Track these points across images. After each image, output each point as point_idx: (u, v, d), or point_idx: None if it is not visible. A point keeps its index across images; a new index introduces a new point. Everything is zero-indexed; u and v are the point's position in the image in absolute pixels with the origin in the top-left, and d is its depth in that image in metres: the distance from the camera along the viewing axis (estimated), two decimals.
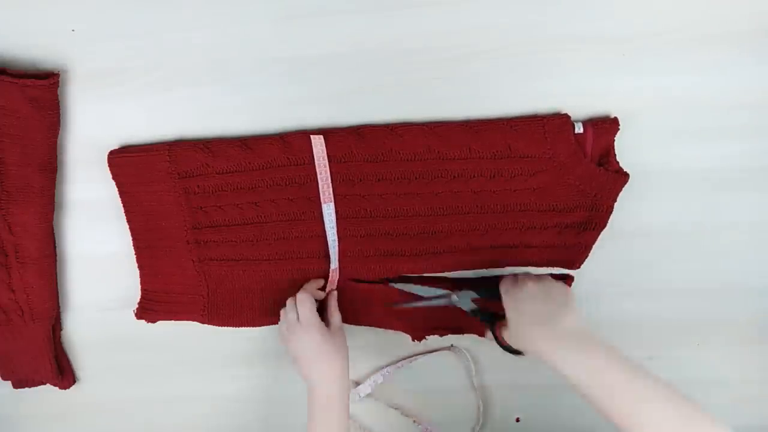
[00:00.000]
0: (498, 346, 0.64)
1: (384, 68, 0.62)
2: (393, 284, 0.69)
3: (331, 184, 0.65)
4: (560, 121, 0.62)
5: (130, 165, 0.66)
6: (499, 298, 0.63)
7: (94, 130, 0.66)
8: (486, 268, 0.68)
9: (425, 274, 0.69)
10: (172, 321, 0.72)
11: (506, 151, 0.63)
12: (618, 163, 0.63)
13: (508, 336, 0.62)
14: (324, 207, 0.65)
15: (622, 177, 0.62)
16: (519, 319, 0.59)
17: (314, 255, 0.68)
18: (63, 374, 0.75)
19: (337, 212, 0.66)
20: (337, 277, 0.68)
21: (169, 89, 0.64)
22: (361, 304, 0.70)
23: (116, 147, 0.66)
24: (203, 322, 0.72)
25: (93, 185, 0.68)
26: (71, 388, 0.76)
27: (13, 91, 0.61)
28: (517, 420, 0.76)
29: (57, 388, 0.76)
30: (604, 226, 0.64)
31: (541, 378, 0.73)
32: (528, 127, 0.62)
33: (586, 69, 0.62)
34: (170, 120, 0.66)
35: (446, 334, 0.72)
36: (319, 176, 0.64)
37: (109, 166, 0.66)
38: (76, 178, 0.68)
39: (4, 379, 0.75)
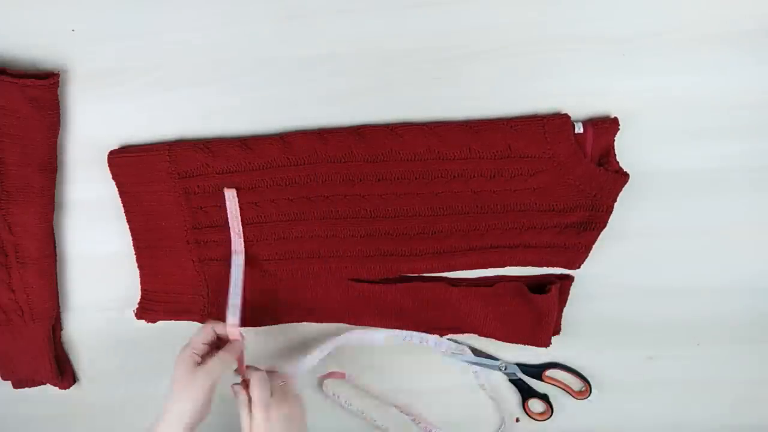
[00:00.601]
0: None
1: (384, 68, 0.62)
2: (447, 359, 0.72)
3: (242, 235, 0.66)
4: (560, 121, 0.62)
5: (130, 165, 0.66)
6: (537, 376, 0.72)
7: (94, 130, 0.66)
8: (486, 268, 0.68)
9: (425, 274, 0.69)
10: (172, 321, 0.72)
11: (506, 151, 0.63)
12: (618, 163, 0.63)
13: None
14: (234, 257, 0.65)
15: (622, 177, 0.62)
16: None
17: (314, 255, 0.68)
18: (63, 374, 0.75)
19: (337, 212, 0.66)
20: (237, 333, 0.64)
21: (169, 89, 0.64)
22: (360, 305, 0.70)
23: (116, 147, 0.66)
24: (203, 322, 0.72)
25: (93, 185, 0.68)
26: (71, 388, 0.76)
27: (13, 91, 0.61)
28: (517, 420, 0.76)
29: (57, 388, 0.76)
30: (604, 226, 0.64)
31: None
32: (528, 127, 0.62)
33: (586, 69, 0.62)
34: (170, 120, 0.66)
35: (446, 334, 0.72)
36: (231, 230, 0.65)
37: (109, 166, 0.66)
38: (76, 178, 0.68)
39: (4, 379, 0.75)
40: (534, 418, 0.75)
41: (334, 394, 0.76)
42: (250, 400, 0.61)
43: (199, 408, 0.60)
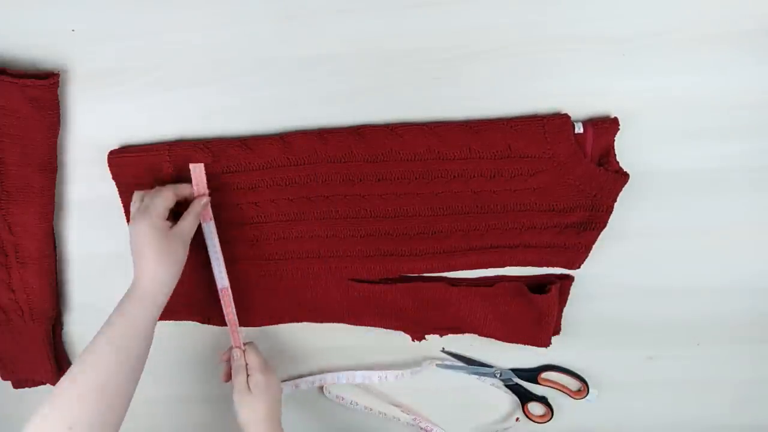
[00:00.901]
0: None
1: (384, 68, 0.62)
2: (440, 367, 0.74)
3: (210, 210, 0.65)
4: (560, 121, 0.62)
5: (130, 165, 0.66)
6: (533, 380, 0.72)
7: (94, 130, 0.66)
8: (486, 267, 0.68)
9: (425, 274, 0.69)
10: (172, 321, 0.72)
11: (506, 151, 0.63)
12: (618, 163, 0.63)
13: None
14: (204, 226, 0.65)
15: (622, 177, 0.62)
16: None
17: (314, 255, 0.68)
18: (63, 374, 0.75)
19: (337, 212, 0.66)
20: (230, 298, 0.68)
21: (169, 89, 0.64)
22: (360, 305, 0.70)
23: (116, 147, 0.66)
24: (203, 322, 0.72)
25: (93, 185, 0.68)
26: None
27: (13, 91, 0.61)
28: (517, 420, 0.76)
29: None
30: (604, 226, 0.64)
31: None
32: (528, 127, 0.62)
33: (586, 69, 0.62)
34: (170, 120, 0.66)
35: (446, 334, 0.72)
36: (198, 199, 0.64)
37: (109, 166, 0.66)
38: (76, 178, 0.68)
39: (4, 379, 0.75)
40: (535, 421, 0.75)
41: (337, 397, 0.76)
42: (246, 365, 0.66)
43: (178, 274, 0.60)
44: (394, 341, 0.72)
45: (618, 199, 0.63)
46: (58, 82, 0.63)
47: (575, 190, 0.64)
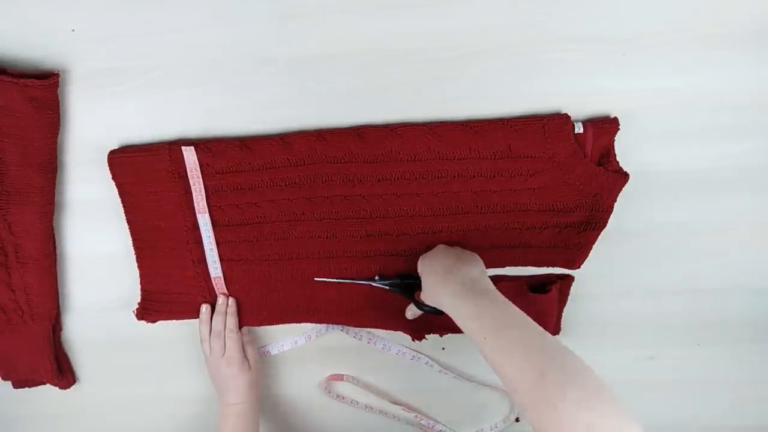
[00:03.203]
0: (419, 310, 0.66)
1: (384, 68, 0.62)
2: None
3: (204, 195, 0.66)
4: (560, 121, 0.62)
5: (130, 165, 0.66)
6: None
7: (94, 130, 0.66)
8: (486, 267, 0.68)
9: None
10: (172, 321, 0.72)
11: (506, 151, 0.63)
12: (618, 163, 0.63)
13: (422, 295, 0.63)
14: (199, 217, 0.66)
15: (622, 177, 0.62)
16: (425, 271, 0.62)
17: (314, 255, 0.68)
18: (63, 374, 0.75)
19: (337, 212, 0.66)
20: (223, 286, 0.70)
21: (169, 89, 0.64)
22: (360, 306, 0.70)
23: (116, 147, 0.66)
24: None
25: (93, 185, 0.68)
26: (71, 388, 0.77)
27: (13, 91, 0.61)
28: (517, 420, 0.76)
29: (57, 388, 0.76)
30: (604, 226, 0.64)
31: None
32: (528, 127, 0.62)
33: (586, 69, 0.62)
34: (170, 120, 0.66)
35: (446, 333, 0.72)
36: (192, 188, 0.65)
37: (109, 166, 0.66)
38: (76, 178, 0.68)
39: (4, 379, 0.75)
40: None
41: (338, 396, 0.76)
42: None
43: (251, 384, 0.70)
44: (395, 340, 0.72)
45: (618, 199, 0.63)
46: (58, 82, 0.63)
47: (575, 190, 0.64)
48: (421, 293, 0.63)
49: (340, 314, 0.71)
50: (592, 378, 0.44)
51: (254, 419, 0.70)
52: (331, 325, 0.73)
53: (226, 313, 0.70)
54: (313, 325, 0.73)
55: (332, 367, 0.76)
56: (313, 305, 0.71)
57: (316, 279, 0.69)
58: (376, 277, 0.69)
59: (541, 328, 0.50)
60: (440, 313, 0.60)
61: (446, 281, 0.58)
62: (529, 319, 0.51)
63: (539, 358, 0.46)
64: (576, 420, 0.41)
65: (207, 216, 0.66)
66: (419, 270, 0.63)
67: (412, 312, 0.68)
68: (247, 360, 0.70)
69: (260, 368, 0.72)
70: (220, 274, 0.69)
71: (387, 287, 0.68)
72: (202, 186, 0.66)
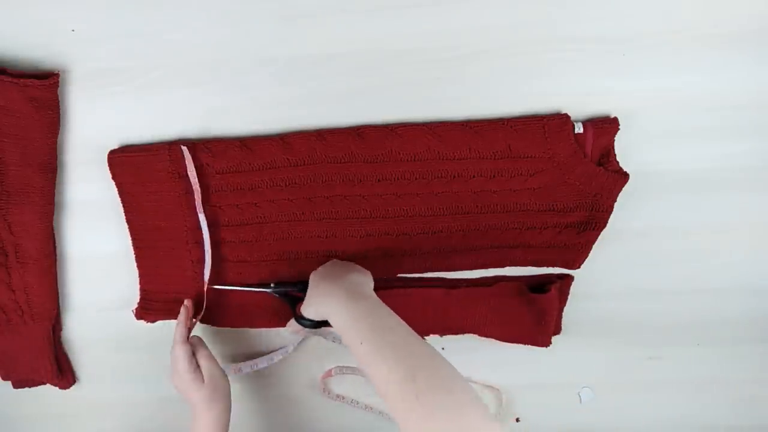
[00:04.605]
0: (298, 324, 0.66)
1: (384, 68, 0.62)
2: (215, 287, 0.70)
3: (200, 195, 0.65)
4: (560, 121, 0.62)
5: (130, 165, 0.66)
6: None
7: (94, 130, 0.66)
8: (486, 267, 0.68)
9: (425, 275, 0.69)
10: (172, 321, 0.72)
11: (506, 151, 0.63)
12: (618, 163, 0.63)
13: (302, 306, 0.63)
14: (200, 216, 0.66)
15: (622, 177, 0.62)
16: (313, 280, 0.62)
17: (314, 255, 0.68)
18: (63, 374, 0.75)
19: (337, 212, 0.66)
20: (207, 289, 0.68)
21: (169, 89, 0.64)
22: None
23: (116, 147, 0.66)
24: (203, 323, 0.72)
25: (93, 185, 0.68)
26: (71, 388, 0.76)
27: (13, 91, 0.61)
28: (517, 420, 0.76)
29: (57, 388, 0.76)
30: (604, 226, 0.64)
31: (541, 378, 0.74)
32: (528, 127, 0.62)
33: (586, 69, 0.62)
34: (170, 120, 0.66)
35: (446, 334, 0.72)
36: (194, 187, 0.65)
37: (109, 166, 0.66)
38: (76, 178, 0.68)
39: (4, 379, 0.75)
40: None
41: (338, 396, 0.76)
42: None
43: (217, 399, 0.65)
44: None
45: (618, 199, 0.63)
46: (58, 82, 0.63)
47: (575, 190, 0.64)
48: (302, 305, 0.63)
49: None
50: (461, 383, 0.45)
51: None
52: (307, 335, 0.72)
53: (183, 322, 0.67)
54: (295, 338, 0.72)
55: (331, 365, 0.75)
56: None
57: (213, 287, 0.69)
58: (272, 284, 0.69)
59: (416, 335, 0.51)
60: (319, 326, 0.62)
61: (331, 288, 0.58)
62: (406, 326, 0.52)
63: (411, 361, 0.47)
64: (440, 422, 0.42)
65: (203, 216, 0.66)
66: (310, 281, 0.63)
67: (292, 327, 0.68)
68: (200, 375, 0.64)
69: (219, 383, 0.65)
70: (206, 279, 0.68)
71: (277, 295, 0.69)
72: (198, 186, 0.65)
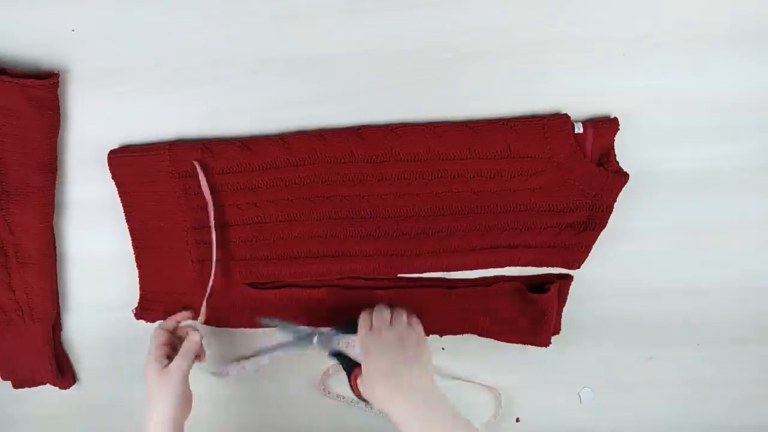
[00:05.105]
0: (354, 397, 0.65)
1: (384, 68, 0.62)
2: (262, 320, 0.69)
3: (213, 211, 0.65)
4: (560, 121, 0.62)
5: (130, 165, 0.66)
6: (353, 329, 0.64)
7: (94, 130, 0.66)
8: (486, 268, 0.68)
9: (425, 275, 0.69)
10: None
11: (506, 152, 0.63)
12: (618, 163, 0.63)
13: (362, 385, 0.62)
14: (212, 235, 0.66)
15: (622, 177, 0.62)
16: (369, 369, 0.60)
17: (314, 256, 0.68)
18: (63, 374, 0.75)
19: (337, 213, 0.66)
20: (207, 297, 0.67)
21: (169, 89, 0.64)
22: (350, 307, 0.70)
23: (116, 147, 0.66)
24: (202, 323, 0.72)
25: (93, 185, 0.68)
26: (71, 388, 0.76)
27: (13, 91, 0.61)
28: (517, 420, 0.76)
29: (57, 388, 0.76)
30: (604, 226, 0.64)
31: (541, 378, 0.74)
32: (528, 127, 0.62)
33: (586, 69, 0.62)
34: (170, 120, 0.66)
35: (446, 334, 0.72)
36: (208, 203, 0.65)
37: (109, 166, 0.66)
38: (76, 178, 0.68)
39: (4, 379, 0.75)
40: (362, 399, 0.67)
41: (338, 396, 0.76)
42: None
43: (179, 405, 0.62)
44: None
45: (618, 199, 0.63)
46: (58, 82, 0.63)
47: (575, 190, 0.64)
48: (361, 383, 0.61)
49: (330, 316, 0.70)
50: None
51: None
52: (283, 351, 0.70)
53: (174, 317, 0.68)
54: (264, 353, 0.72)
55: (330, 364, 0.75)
56: (312, 307, 0.70)
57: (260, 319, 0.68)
58: (315, 339, 0.65)
59: None
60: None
61: (393, 388, 0.57)
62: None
63: None
64: None
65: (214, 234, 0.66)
66: (361, 346, 0.61)
67: (347, 398, 0.68)
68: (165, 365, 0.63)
69: (179, 385, 0.63)
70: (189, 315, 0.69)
71: (328, 354, 0.65)
72: (212, 202, 0.65)
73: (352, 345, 0.64)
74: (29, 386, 0.76)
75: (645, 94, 0.62)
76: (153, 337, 0.66)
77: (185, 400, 0.63)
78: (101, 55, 0.63)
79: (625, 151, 0.63)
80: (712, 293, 0.69)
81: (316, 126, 0.65)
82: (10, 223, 0.66)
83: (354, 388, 0.64)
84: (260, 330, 0.72)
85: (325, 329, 0.66)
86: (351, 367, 0.64)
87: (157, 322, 0.70)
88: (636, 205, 0.66)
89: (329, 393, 0.76)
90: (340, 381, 0.76)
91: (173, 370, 0.63)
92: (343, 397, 0.76)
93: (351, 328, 0.64)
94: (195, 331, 0.67)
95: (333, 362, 0.72)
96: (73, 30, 0.62)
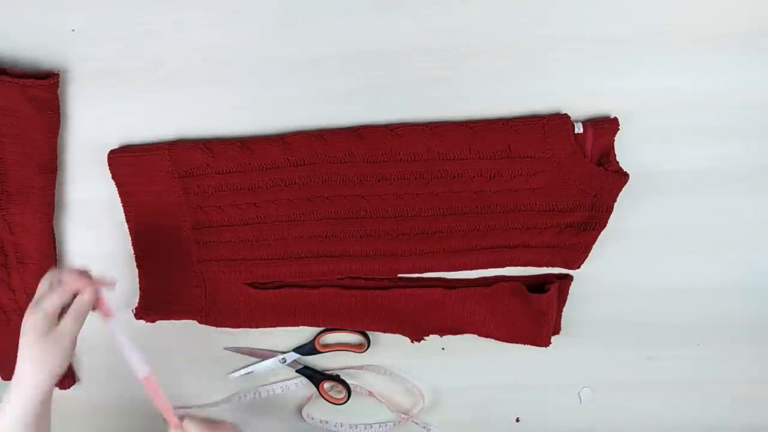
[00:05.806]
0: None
1: (384, 68, 0.62)
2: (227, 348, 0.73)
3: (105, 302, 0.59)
4: (560, 121, 0.62)
5: (130, 165, 0.66)
6: (313, 351, 0.71)
7: (94, 130, 0.66)
8: (486, 268, 0.68)
9: (425, 275, 0.69)
10: (172, 321, 0.72)
11: (506, 152, 0.63)
12: (618, 163, 0.63)
13: None
14: (105, 322, 0.59)
15: (622, 177, 0.62)
16: None
17: (314, 256, 0.68)
18: (63, 374, 0.74)
19: (337, 213, 0.66)
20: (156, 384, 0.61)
21: (169, 89, 0.64)
22: (359, 309, 0.70)
23: (116, 147, 0.66)
24: (202, 323, 0.72)
25: (93, 185, 0.68)
26: (71, 388, 0.76)
27: (13, 91, 0.61)
28: (517, 420, 0.76)
29: (57, 388, 0.75)
30: (604, 226, 0.64)
31: (540, 378, 0.74)
32: (528, 127, 0.62)
33: (586, 69, 0.62)
34: (170, 120, 0.66)
35: (446, 335, 0.72)
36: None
37: (109, 166, 0.66)
38: (76, 178, 0.69)
39: (4, 379, 0.75)
40: (334, 403, 0.74)
41: (321, 422, 0.76)
42: None
43: (57, 376, 0.55)
44: (392, 343, 0.72)
45: (618, 199, 0.63)
46: (58, 82, 0.63)
47: (575, 190, 0.64)
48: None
49: (339, 317, 0.71)
50: None
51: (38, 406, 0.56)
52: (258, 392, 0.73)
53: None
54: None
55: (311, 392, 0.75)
56: (312, 308, 0.70)
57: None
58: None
59: None
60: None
61: None
62: None
63: None
64: None
65: (114, 321, 0.60)
66: None
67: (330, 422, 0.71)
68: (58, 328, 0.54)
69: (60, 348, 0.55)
70: (149, 371, 0.62)
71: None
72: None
73: None
74: None
75: (645, 94, 0.62)
76: (48, 291, 0.55)
77: (65, 369, 0.55)
78: (101, 55, 0.63)
79: (625, 151, 0.63)
80: (711, 293, 0.69)
81: (316, 126, 0.65)
82: (10, 223, 0.66)
83: (324, 394, 0.73)
84: (260, 330, 0.72)
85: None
86: (318, 380, 0.73)
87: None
88: (636, 205, 0.66)
89: (312, 419, 0.76)
90: (321, 407, 0.75)
91: (61, 334, 0.53)
92: (327, 422, 0.76)
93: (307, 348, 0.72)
94: (89, 283, 0.56)
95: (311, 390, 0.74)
96: (73, 30, 0.62)
